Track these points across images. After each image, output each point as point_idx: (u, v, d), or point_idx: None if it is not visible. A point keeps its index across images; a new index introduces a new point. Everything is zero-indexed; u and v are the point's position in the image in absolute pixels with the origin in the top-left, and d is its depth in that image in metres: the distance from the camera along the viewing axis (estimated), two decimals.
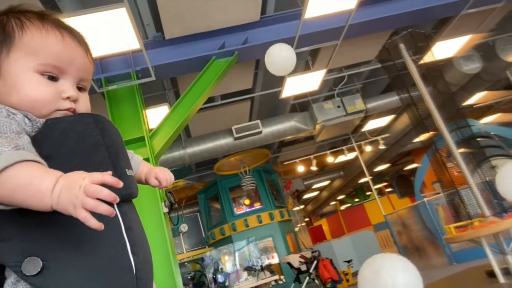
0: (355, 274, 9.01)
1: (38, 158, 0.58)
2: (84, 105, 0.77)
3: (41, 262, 0.58)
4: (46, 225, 0.61)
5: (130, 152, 0.95)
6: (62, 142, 0.61)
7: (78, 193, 0.52)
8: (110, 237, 0.66)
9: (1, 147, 0.54)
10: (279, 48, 3.28)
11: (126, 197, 0.72)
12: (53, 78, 0.72)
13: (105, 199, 0.53)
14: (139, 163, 0.94)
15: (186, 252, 9.52)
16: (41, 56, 0.70)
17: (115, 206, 0.68)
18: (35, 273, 0.58)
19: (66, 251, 0.61)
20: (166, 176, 0.91)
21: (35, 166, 0.56)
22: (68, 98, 0.72)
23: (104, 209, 0.53)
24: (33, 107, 0.69)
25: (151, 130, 3.93)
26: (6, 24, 0.71)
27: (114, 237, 0.67)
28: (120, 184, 0.57)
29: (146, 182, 0.93)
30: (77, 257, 0.61)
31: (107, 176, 0.55)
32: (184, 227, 7.52)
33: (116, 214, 0.68)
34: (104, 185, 0.55)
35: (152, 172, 0.91)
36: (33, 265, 0.58)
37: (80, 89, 0.77)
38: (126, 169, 0.75)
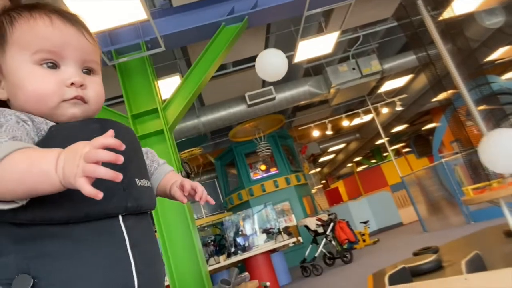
0: (371, 234, 9.17)
1: (36, 146, 0.56)
2: (93, 90, 0.72)
3: (32, 280, 0.56)
4: (41, 240, 0.59)
5: (159, 162, 0.88)
6: None
7: (79, 161, 0.50)
8: (111, 255, 0.61)
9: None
10: (271, 55, 3.21)
11: (132, 210, 0.66)
12: (53, 66, 0.68)
13: (105, 160, 0.50)
14: (164, 174, 0.86)
15: (206, 217, 9.82)
16: (32, 44, 0.67)
17: (120, 219, 0.64)
18: None
19: (60, 270, 0.58)
20: (191, 183, 0.81)
21: (32, 150, 0.55)
22: (72, 84, 0.68)
23: (102, 172, 0.49)
24: (38, 101, 0.66)
25: (164, 101, 3.94)
26: None
27: (116, 255, 0.62)
28: (122, 146, 0.53)
29: (171, 196, 0.84)
30: (71, 276, 0.58)
31: (109, 139, 0.52)
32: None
33: (121, 229, 0.64)
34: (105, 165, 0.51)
35: (176, 183, 0.83)
36: (22, 283, 0.56)
37: (87, 73, 0.73)
38: (137, 179, 0.69)
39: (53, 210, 0.58)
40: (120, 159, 0.52)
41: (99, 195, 0.49)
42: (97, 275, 0.59)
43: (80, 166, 0.50)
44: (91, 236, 0.61)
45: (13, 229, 0.58)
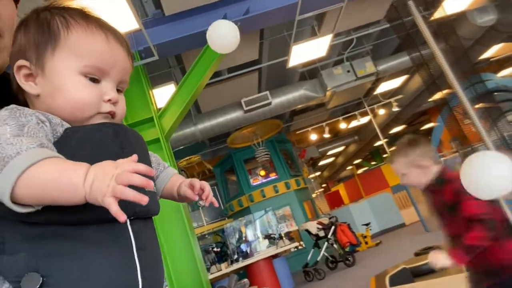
0: (374, 236, 9.12)
1: (63, 157, 0.58)
2: (121, 107, 0.76)
3: (41, 279, 0.57)
4: (51, 239, 0.60)
5: (164, 165, 0.91)
6: (77, 152, 0.60)
7: (110, 181, 0.53)
8: (118, 258, 0.63)
9: (28, 144, 0.55)
10: (222, 25, 3.24)
11: (141, 214, 0.68)
12: (95, 80, 0.71)
13: (137, 184, 0.54)
14: (170, 176, 0.89)
15: (207, 224, 9.77)
16: (86, 57, 0.69)
17: (128, 223, 0.66)
18: None
19: (69, 270, 0.59)
20: (200, 182, 0.84)
21: (61, 160, 0.57)
22: (109, 100, 0.72)
23: (131, 195, 0.53)
24: (77, 109, 0.69)
25: (160, 109, 3.94)
26: (50, 21, 0.70)
27: (123, 257, 0.64)
28: (152, 172, 0.57)
29: (179, 197, 0.87)
30: (79, 276, 0.59)
31: (140, 165, 0.56)
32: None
33: (129, 233, 0.65)
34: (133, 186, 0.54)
35: (184, 183, 0.86)
36: (32, 281, 0.57)
37: (118, 91, 0.76)
38: None
39: (66, 213, 0.59)
40: (151, 185, 0.55)
41: (122, 217, 0.52)
42: (104, 276, 0.61)
43: (110, 186, 0.53)
44: (100, 238, 0.62)
45: (24, 227, 0.59)
